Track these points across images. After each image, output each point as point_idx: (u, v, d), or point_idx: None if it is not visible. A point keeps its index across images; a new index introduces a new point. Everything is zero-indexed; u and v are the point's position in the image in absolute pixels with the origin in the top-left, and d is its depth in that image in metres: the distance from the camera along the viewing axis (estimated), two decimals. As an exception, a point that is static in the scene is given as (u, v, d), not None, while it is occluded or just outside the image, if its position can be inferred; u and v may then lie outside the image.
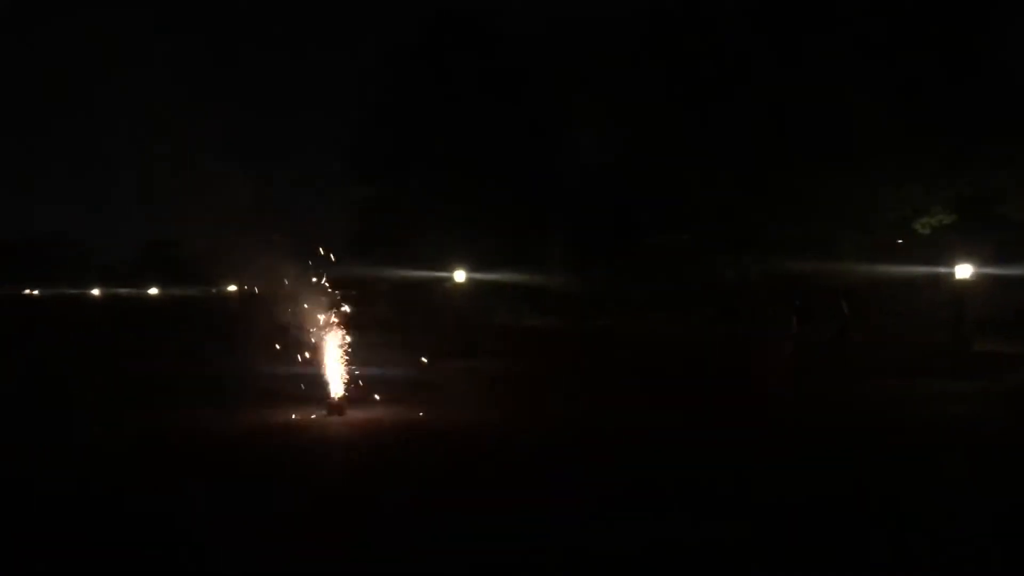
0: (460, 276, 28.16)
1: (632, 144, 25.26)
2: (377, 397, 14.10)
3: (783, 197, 21.87)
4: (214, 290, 53.32)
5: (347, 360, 13.65)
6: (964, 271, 20.32)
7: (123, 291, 60.68)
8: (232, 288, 52.62)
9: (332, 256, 14.04)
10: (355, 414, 13.09)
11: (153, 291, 58.82)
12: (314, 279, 13.66)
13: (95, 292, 59.25)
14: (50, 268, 68.02)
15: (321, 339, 13.62)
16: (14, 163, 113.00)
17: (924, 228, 21.10)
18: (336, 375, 13.47)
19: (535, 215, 27.62)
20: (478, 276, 28.21)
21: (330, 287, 13.77)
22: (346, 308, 13.94)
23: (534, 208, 27.50)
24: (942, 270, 20.85)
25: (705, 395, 15.05)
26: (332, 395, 13.27)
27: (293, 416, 12.89)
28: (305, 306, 13.56)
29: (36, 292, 61.30)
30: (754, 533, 6.72)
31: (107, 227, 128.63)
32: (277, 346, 14.11)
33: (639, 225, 25.41)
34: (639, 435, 11.54)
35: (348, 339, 13.81)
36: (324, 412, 13.06)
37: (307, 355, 13.60)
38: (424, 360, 17.79)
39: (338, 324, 13.74)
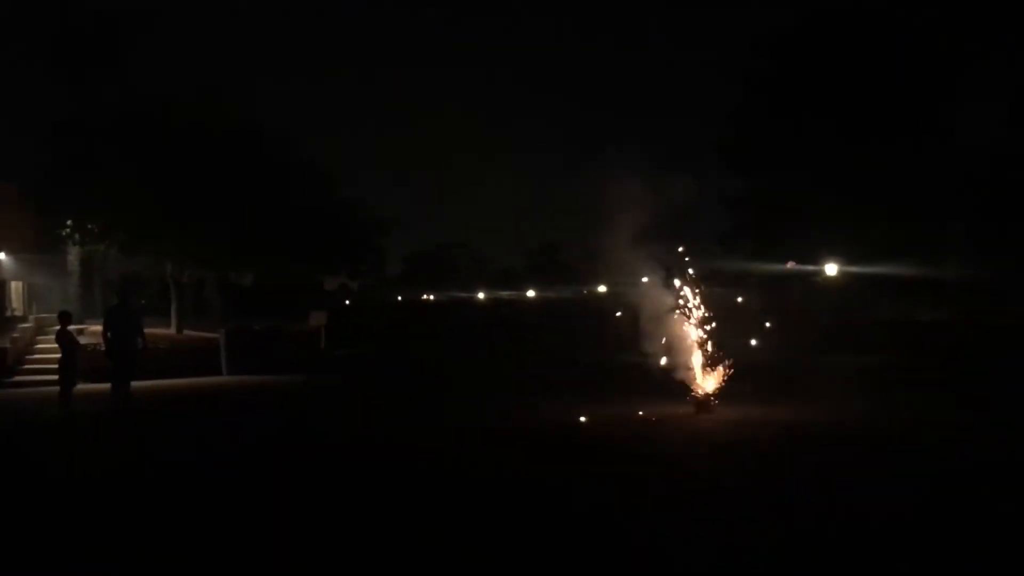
0: (832, 269, 26.72)
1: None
2: (745, 393, 13.52)
3: None
4: (584, 291, 55.59)
5: (713, 355, 13.20)
6: None
7: (505, 294, 65.62)
8: (602, 288, 54.49)
9: (701, 251, 13.71)
10: (726, 412, 12.52)
11: (531, 293, 62.81)
12: (681, 274, 13.41)
13: (480, 295, 64.65)
14: (448, 274, 75.82)
15: (686, 334, 13.32)
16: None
17: None
18: (703, 370, 13.08)
19: (931, 201, 25.04)
20: (854, 269, 26.39)
21: (698, 281, 13.42)
22: (713, 302, 13.53)
23: (929, 194, 24.93)
24: None
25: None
26: (700, 391, 12.91)
27: (659, 411, 12.69)
28: (671, 301, 13.36)
29: (432, 297, 68.39)
30: None
31: (503, 234, 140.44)
32: (641, 340, 13.99)
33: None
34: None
35: (715, 334, 13.36)
36: (692, 409, 12.73)
37: (670, 350, 13.34)
38: (753, 342, 16.26)
39: (705, 318, 13.35)
